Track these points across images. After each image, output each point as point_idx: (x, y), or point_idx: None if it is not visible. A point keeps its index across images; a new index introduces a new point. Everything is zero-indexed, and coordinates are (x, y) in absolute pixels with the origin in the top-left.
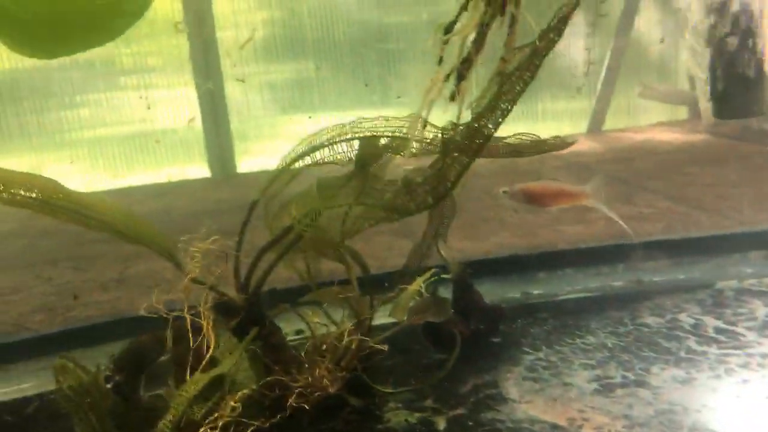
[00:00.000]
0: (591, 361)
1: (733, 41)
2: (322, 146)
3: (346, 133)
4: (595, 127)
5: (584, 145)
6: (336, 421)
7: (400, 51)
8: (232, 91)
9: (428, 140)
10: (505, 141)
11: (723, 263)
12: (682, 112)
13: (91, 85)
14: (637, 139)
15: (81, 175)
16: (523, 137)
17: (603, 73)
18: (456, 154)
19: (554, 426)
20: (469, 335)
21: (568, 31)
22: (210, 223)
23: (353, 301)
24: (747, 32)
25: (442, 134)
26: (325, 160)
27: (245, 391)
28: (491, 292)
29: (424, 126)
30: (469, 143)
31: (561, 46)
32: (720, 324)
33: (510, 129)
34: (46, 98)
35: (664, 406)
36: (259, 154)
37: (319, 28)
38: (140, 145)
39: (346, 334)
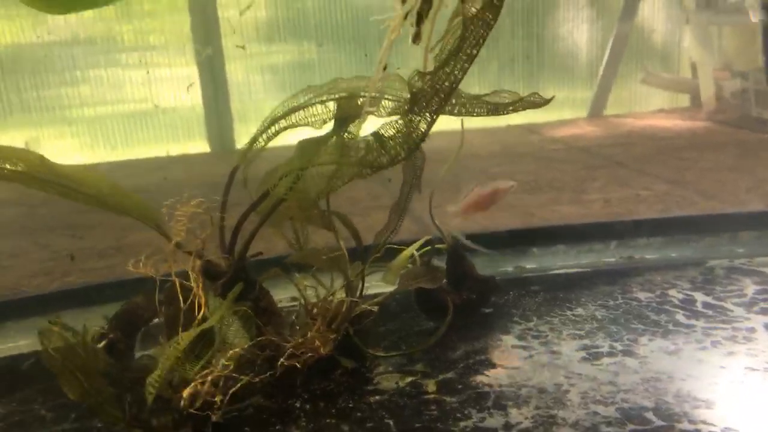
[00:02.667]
0: (580, 331)
1: None
2: (299, 108)
3: (323, 94)
4: (597, 111)
5: (584, 129)
6: (327, 381)
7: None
8: (234, 72)
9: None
10: (483, 98)
11: (714, 242)
12: (684, 100)
13: (92, 61)
14: (638, 124)
15: (80, 151)
16: (501, 94)
17: (605, 58)
18: (424, 104)
19: (541, 390)
20: (461, 304)
21: (572, 13)
22: (209, 194)
23: (342, 263)
24: None
25: (410, 84)
26: (302, 122)
27: (236, 350)
28: (485, 265)
29: (385, 68)
30: (437, 91)
31: (564, 30)
32: (709, 300)
33: (512, 117)
34: (47, 74)
35: (650, 375)
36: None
37: (323, 9)
38: (140, 123)
39: (335, 295)
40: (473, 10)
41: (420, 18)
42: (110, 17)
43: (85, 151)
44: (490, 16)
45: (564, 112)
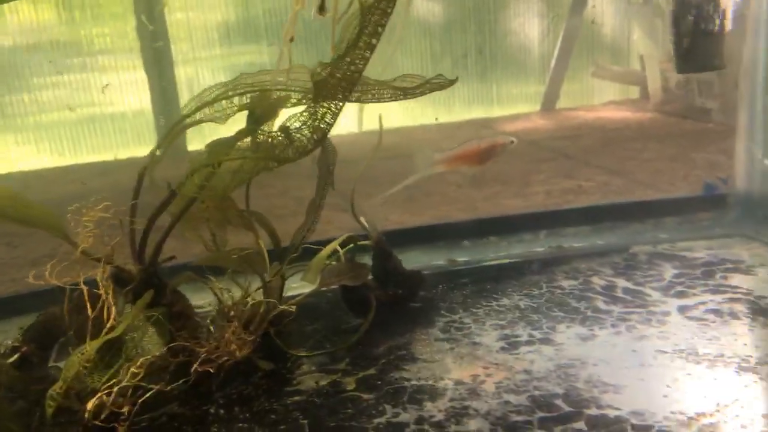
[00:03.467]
0: (502, 321)
1: None
2: (208, 104)
3: (229, 91)
4: (549, 105)
5: (536, 123)
6: (246, 385)
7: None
8: (184, 75)
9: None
10: (390, 83)
11: (640, 229)
12: (635, 91)
13: (36, 69)
14: (588, 117)
15: (25, 159)
16: (407, 78)
17: (556, 53)
18: (329, 95)
19: (458, 382)
20: (388, 300)
21: (522, 8)
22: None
23: (258, 264)
24: None
25: (313, 75)
26: (207, 118)
27: (147, 357)
28: (417, 259)
29: (291, 40)
30: (340, 81)
31: (515, 24)
32: (629, 285)
33: (466, 112)
34: None
35: (564, 361)
36: (213, 136)
37: (274, 11)
38: (89, 130)
39: (251, 297)
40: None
41: None
42: (53, 23)
43: (30, 158)
44: (387, 4)
45: (518, 106)
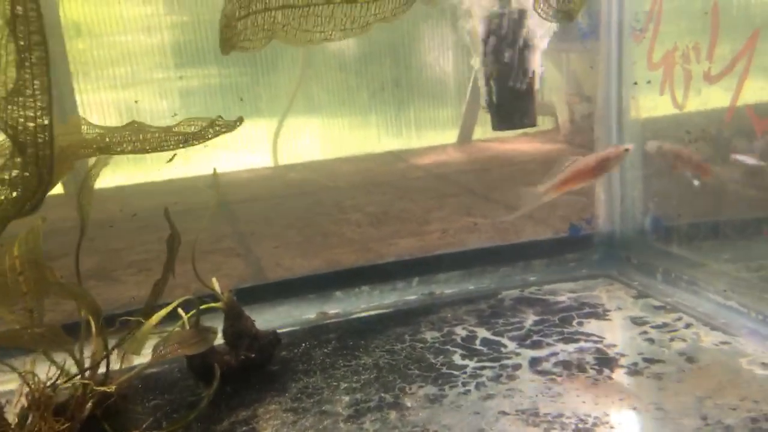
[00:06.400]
0: (357, 384)
1: (506, 56)
2: None
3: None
4: (465, 137)
5: (450, 156)
6: None
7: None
8: (114, 99)
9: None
10: (173, 129)
11: (509, 272)
12: (551, 122)
13: None
14: (502, 149)
15: None
16: (191, 123)
17: (470, 85)
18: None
19: None
20: (240, 365)
21: (437, 41)
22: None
23: (63, 342)
24: (520, 48)
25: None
26: None
27: None
28: (288, 313)
29: None
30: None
31: (431, 57)
32: (489, 335)
33: (385, 137)
34: None
35: (407, 429)
36: (119, 169)
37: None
38: None
39: (61, 381)
40: None
41: None
42: None
43: None
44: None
45: (438, 134)
